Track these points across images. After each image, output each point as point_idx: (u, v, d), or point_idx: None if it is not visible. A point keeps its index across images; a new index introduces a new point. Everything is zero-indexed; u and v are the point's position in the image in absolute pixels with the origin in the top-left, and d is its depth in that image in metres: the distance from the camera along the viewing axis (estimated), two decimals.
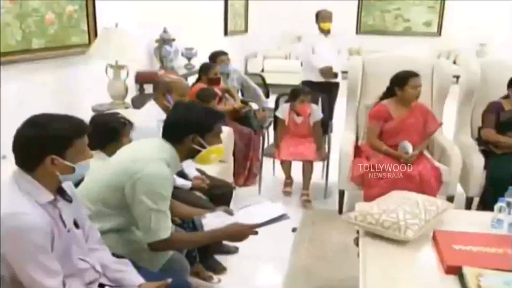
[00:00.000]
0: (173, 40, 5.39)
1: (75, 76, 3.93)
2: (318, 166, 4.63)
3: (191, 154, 2.30)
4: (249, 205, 2.58)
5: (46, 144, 1.75)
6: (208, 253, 3.10)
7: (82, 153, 1.84)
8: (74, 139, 1.80)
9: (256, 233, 2.33)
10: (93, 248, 2.03)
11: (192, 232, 2.66)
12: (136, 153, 2.29)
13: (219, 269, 3.19)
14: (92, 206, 2.22)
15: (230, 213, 2.50)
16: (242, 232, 2.33)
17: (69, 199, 1.90)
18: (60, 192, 1.88)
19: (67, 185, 1.94)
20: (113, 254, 2.12)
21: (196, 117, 2.27)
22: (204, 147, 2.26)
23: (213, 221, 2.40)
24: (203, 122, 2.27)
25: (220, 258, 3.27)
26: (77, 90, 3.97)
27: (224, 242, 3.38)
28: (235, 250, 3.45)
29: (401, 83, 3.91)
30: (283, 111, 4.56)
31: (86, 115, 3.51)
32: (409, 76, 3.89)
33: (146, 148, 2.29)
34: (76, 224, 1.91)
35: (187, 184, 3.17)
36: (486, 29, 10.68)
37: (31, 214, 1.70)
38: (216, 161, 2.44)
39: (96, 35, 4.06)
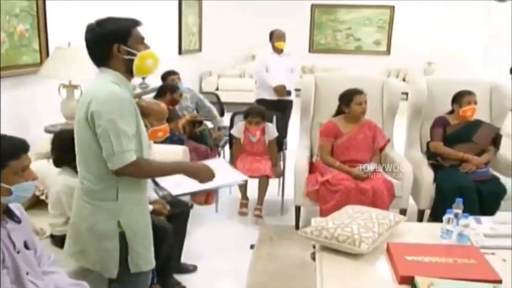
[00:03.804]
0: None
1: (27, 96, 3.87)
2: (274, 183, 4.68)
3: (128, 67, 2.19)
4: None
5: None
6: (166, 273, 3.09)
7: (20, 175, 1.80)
8: (8, 160, 1.76)
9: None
10: (48, 271, 2.00)
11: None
12: (84, 92, 2.24)
13: None
14: (94, 177, 2.16)
15: None
16: (209, 173, 2.34)
17: (17, 220, 1.87)
18: (8, 213, 1.84)
19: (15, 206, 1.90)
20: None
21: (110, 27, 2.17)
22: (134, 55, 2.18)
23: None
24: (118, 28, 2.17)
25: (178, 277, 3.26)
26: (29, 110, 3.90)
27: (183, 261, 3.39)
28: (193, 269, 3.45)
29: (347, 100, 4.04)
30: (238, 130, 4.60)
31: (39, 136, 3.48)
32: (354, 93, 4.03)
33: (91, 84, 2.23)
34: (26, 246, 1.88)
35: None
36: (432, 48, 11.08)
37: None
38: (156, 68, 2.32)
39: (48, 54, 4.01)
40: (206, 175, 2.33)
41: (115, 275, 2.22)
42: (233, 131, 4.65)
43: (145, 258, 2.27)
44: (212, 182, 2.38)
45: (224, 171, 2.60)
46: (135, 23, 2.23)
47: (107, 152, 2.04)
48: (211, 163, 2.47)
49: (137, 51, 2.18)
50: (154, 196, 3.30)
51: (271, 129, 4.57)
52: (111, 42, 2.14)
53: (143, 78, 5.98)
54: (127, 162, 2.05)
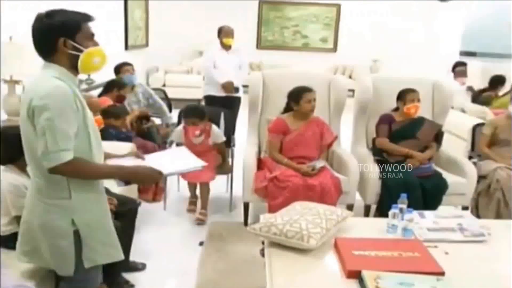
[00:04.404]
0: None
1: None
2: (222, 179, 4.68)
3: (73, 63, 2.11)
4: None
5: None
6: (114, 271, 3.03)
7: None
8: None
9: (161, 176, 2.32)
10: None
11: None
12: (26, 88, 2.15)
13: (127, 287, 3.13)
14: (43, 175, 2.08)
15: (141, 158, 2.52)
16: (150, 176, 2.30)
17: None
18: None
19: None
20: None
21: (58, 19, 2.08)
22: (81, 51, 2.11)
23: (123, 163, 2.40)
24: (67, 22, 2.09)
25: (127, 275, 3.22)
26: None
27: (131, 259, 3.35)
28: (142, 267, 3.41)
29: (296, 98, 4.08)
30: (178, 134, 4.44)
31: None
32: (303, 91, 4.07)
33: (33, 79, 2.14)
34: None
35: None
36: (378, 46, 11.34)
37: None
38: (102, 66, 2.25)
39: None
40: (149, 177, 2.31)
41: (72, 273, 2.17)
42: (173, 137, 4.48)
43: (102, 253, 2.23)
44: (171, 168, 2.40)
45: (184, 158, 2.65)
46: (86, 17, 2.15)
47: (41, 150, 1.97)
48: (172, 151, 2.51)
49: (85, 47, 2.11)
50: None
51: (217, 133, 4.42)
52: (57, 35, 2.06)
53: (89, 74, 5.86)
54: (61, 161, 1.98)
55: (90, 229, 2.16)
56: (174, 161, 2.55)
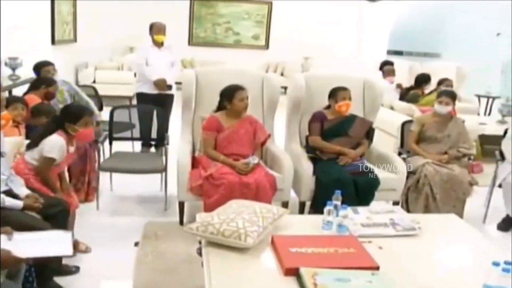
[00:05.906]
0: None
1: None
2: (156, 178, 4.61)
3: None
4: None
5: None
6: (46, 276, 2.93)
7: None
8: None
9: (23, 261, 2.18)
10: None
11: None
12: None
13: None
14: None
15: (9, 237, 2.36)
16: (5, 262, 2.12)
17: None
18: None
19: None
20: None
21: None
22: None
23: None
24: None
25: (60, 280, 3.10)
26: None
27: (64, 262, 3.24)
28: (76, 270, 3.31)
29: (229, 97, 4.09)
30: (62, 151, 3.38)
31: None
32: (235, 89, 4.08)
33: None
34: None
35: (17, 204, 2.96)
36: (309, 44, 11.53)
37: None
38: None
39: None
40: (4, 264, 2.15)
41: None
42: (55, 153, 3.34)
43: None
44: (36, 252, 2.30)
45: (56, 242, 2.48)
46: None
47: None
48: (47, 234, 2.45)
49: None
50: (25, 191, 3.10)
51: None
52: None
53: (14, 69, 5.62)
54: None
55: None
56: (44, 243, 2.41)
